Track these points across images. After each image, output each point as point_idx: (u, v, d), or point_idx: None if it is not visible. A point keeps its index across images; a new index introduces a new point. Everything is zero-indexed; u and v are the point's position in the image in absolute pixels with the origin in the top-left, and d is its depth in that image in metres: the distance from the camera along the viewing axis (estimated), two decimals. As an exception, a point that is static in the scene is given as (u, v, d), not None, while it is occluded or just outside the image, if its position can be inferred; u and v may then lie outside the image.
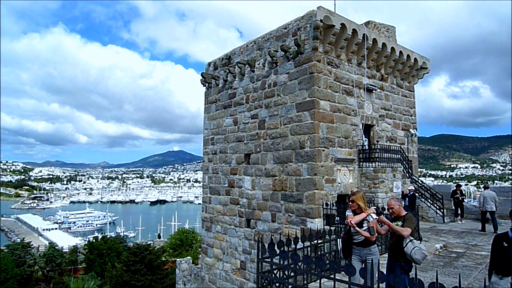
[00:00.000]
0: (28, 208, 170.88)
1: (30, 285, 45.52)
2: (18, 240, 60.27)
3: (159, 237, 69.77)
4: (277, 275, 4.99)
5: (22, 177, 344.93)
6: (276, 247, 4.66)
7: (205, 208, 18.18)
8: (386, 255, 5.95)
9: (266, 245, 4.76)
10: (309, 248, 6.86)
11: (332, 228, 8.81)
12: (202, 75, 18.87)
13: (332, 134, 13.62)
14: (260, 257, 4.84)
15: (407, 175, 16.24)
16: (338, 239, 7.05)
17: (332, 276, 4.07)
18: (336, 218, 11.34)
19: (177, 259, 24.10)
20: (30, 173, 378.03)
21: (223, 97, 17.56)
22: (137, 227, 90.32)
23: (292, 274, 5.04)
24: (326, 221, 12.05)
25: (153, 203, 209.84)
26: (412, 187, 15.09)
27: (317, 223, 12.21)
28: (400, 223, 5.52)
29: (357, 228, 5.32)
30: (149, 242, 52.03)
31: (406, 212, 5.69)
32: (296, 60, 13.86)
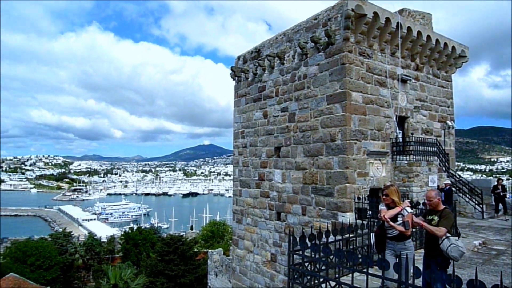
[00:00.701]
0: (69, 200, 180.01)
1: (72, 272, 48.09)
2: (60, 229, 63.76)
3: (191, 228, 71.42)
4: (308, 268, 4.97)
5: (63, 170, 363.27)
6: (307, 240, 4.64)
7: (235, 201, 18.37)
8: (422, 250, 5.78)
9: (298, 238, 4.75)
10: (340, 242, 6.78)
11: (364, 222, 8.66)
12: (231, 69, 18.96)
13: (365, 126, 13.32)
14: (291, 249, 4.84)
15: (444, 168, 15.64)
16: (371, 233, 6.92)
17: (365, 270, 4.00)
18: (369, 212, 11.13)
19: (209, 250, 24.60)
20: (70, 167, 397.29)
21: (252, 91, 17.57)
22: (170, 219, 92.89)
23: (324, 267, 5.01)
24: (358, 215, 11.85)
25: (185, 196, 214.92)
26: (448, 181, 14.51)
27: (349, 217, 12.04)
28: (436, 218, 5.33)
29: (391, 223, 5.19)
30: (181, 234, 53.41)
31: (444, 207, 5.49)
32: (326, 51, 13.61)
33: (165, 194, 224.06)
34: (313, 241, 4.66)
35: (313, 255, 4.64)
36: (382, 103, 14.18)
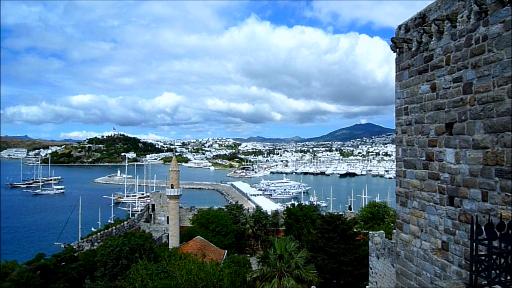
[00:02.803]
0: (239, 177, 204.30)
1: (244, 239, 54.81)
2: (233, 202, 73.11)
3: (349, 208, 71.09)
4: (496, 261, 4.28)
5: (233, 151, 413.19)
6: (495, 229, 3.98)
7: (399, 183, 17.26)
8: None
9: (483, 227, 4.13)
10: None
11: None
12: (392, 40, 17.54)
13: None
14: (475, 238, 4.25)
15: None
16: None
17: None
18: None
19: (370, 232, 24.01)
20: (239, 148, 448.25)
21: (417, 62, 15.91)
22: (328, 198, 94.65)
23: (517, 263, 4.23)
24: None
25: (342, 176, 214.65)
26: None
27: (550, 206, 9.79)
28: None
29: None
30: (340, 213, 53.80)
31: None
32: (515, 4, 11.10)
33: (322, 173, 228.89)
34: (504, 231, 3.97)
35: (505, 247, 3.96)
36: None
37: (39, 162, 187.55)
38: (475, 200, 12.59)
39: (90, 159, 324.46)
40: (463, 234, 11.12)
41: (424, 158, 15.52)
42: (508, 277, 4.06)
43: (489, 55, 12.10)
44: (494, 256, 4.33)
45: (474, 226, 4.26)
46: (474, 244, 4.27)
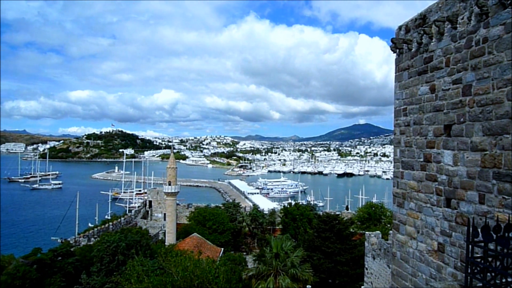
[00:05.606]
0: (236, 175, 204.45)
1: (240, 238, 54.86)
2: (230, 200, 73.15)
3: (347, 208, 71.20)
4: (492, 263, 4.27)
5: (231, 149, 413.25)
6: (492, 231, 3.97)
7: (396, 183, 17.24)
8: None
9: (479, 229, 4.11)
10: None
11: None
12: (392, 40, 17.50)
13: None
14: (471, 240, 4.23)
15: None
16: None
17: None
18: None
19: (366, 232, 24.06)
20: (237, 146, 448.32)
21: (416, 63, 15.89)
22: (325, 197, 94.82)
23: (512, 265, 4.22)
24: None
25: (340, 176, 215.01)
26: None
27: (546, 210, 9.79)
28: None
29: None
30: (337, 213, 53.86)
31: None
32: (516, 6, 11.08)
33: (320, 173, 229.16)
34: (500, 234, 3.96)
35: (501, 250, 3.94)
36: None
37: (37, 156, 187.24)
38: (472, 203, 12.58)
39: (88, 155, 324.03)
40: (459, 236, 11.13)
41: (422, 160, 15.51)
42: (503, 280, 4.05)
43: (489, 57, 12.08)
44: (490, 259, 4.31)
45: (471, 228, 4.24)
46: (470, 246, 4.26)
